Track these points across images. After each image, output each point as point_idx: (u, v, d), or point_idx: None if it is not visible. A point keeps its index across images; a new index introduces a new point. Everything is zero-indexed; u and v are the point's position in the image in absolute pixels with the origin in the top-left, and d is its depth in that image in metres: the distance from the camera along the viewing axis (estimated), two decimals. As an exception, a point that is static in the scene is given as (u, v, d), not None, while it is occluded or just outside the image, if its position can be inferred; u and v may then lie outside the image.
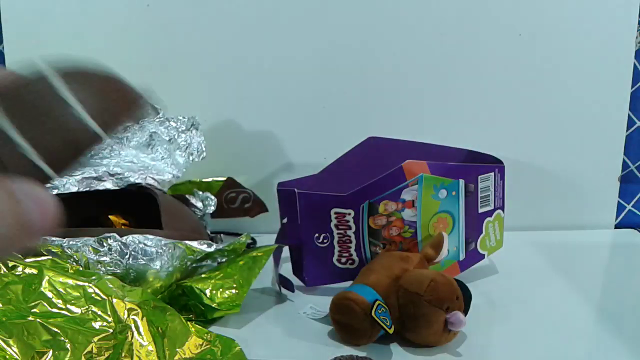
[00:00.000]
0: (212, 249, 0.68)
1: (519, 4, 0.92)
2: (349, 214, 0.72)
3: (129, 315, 0.56)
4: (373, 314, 0.60)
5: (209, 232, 0.79)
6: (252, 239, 0.92)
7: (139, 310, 0.57)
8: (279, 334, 0.67)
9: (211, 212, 0.80)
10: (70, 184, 0.74)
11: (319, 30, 0.92)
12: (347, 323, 0.64)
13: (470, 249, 0.78)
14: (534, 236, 0.95)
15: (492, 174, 0.77)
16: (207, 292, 0.67)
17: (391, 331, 0.61)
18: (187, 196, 0.80)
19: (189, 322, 0.62)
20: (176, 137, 0.80)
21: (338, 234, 0.73)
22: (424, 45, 0.93)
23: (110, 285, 0.58)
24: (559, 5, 0.92)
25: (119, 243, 0.63)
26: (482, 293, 0.74)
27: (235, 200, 0.83)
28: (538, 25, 0.92)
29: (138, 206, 0.76)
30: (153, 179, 0.76)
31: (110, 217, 0.77)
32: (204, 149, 0.80)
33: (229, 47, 0.92)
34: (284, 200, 0.76)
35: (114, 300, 0.56)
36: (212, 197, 0.80)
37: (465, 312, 0.64)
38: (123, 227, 0.76)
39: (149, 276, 0.66)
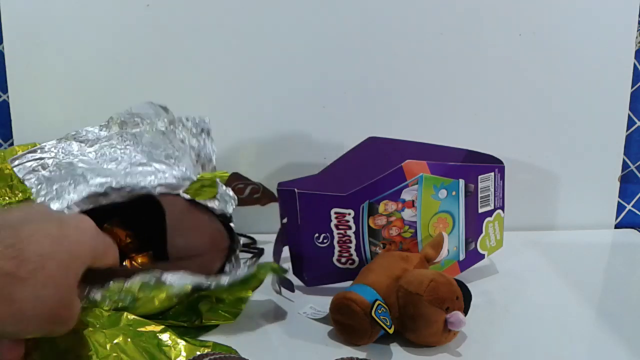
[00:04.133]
0: (221, 284, 0.65)
1: (519, 4, 0.92)
2: (349, 214, 0.72)
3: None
4: (373, 314, 0.60)
5: (229, 227, 0.74)
6: (252, 238, 0.92)
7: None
8: (279, 334, 0.67)
9: (231, 210, 0.74)
10: (75, 203, 0.69)
11: (319, 30, 0.92)
12: (347, 323, 0.64)
13: (470, 249, 0.78)
14: (534, 236, 0.95)
15: (492, 174, 0.77)
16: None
17: (391, 331, 0.61)
18: (202, 202, 0.74)
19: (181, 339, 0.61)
20: (188, 140, 0.78)
21: (338, 234, 0.73)
22: (424, 45, 0.93)
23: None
24: (559, 6, 0.92)
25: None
26: (482, 293, 0.74)
27: (243, 191, 0.82)
28: (538, 25, 0.92)
29: (147, 212, 0.73)
30: (163, 184, 0.73)
31: (113, 229, 0.73)
32: (213, 157, 0.78)
33: (228, 47, 0.92)
34: (284, 200, 0.76)
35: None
36: (231, 193, 0.74)
37: (465, 312, 0.64)
38: (127, 239, 0.73)
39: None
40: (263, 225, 0.91)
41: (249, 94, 0.94)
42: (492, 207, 0.78)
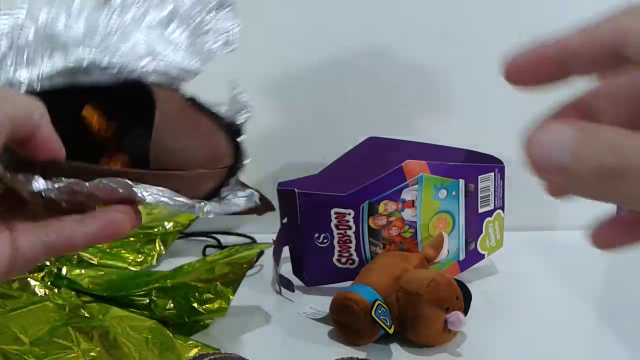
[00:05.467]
0: (205, 211, 0.49)
1: (519, 4, 0.92)
2: (349, 214, 0.72)
3: None
4: (373, 314, 0.60)
5: (237, 142, 0.56)
6: (252, 238, 0.92)
7: None
8: (279, 334, 0.67)
9: (242, 120, 0.58)
10: (48, 76, 0.51)
11: (319, 30, 0.92)
12: (347, 323, 0.64)
13: (470, 249, 0.78)
14: (534, 236, 0.95)
15: (492, 174, 0.77)
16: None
17: (391, 331, 0.61)
18: (206, 104, 0.59)
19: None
20: (202, 17, 0.60)
21: (338, 234, 0.73)
22: (424, 45, 0.93)
23: None
24: (559, 5, 0.92)
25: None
26: (482, 293, 0.74)
27: None
28: (538, 25, 0.92)
29: (136, 105, 0.54)
30: (159, 72, 0.56)
31: (94, 113, 0.53)
32: (235, 37, 0.59)
33: (229, 47, 0.92)
34: (283, 200, 0.76)
35: None
36: (244, 99, 0.59)
37: (465, 312, 0.64)
38: (106, 130, 0.54)
39: None
40: (263, 225, 0.90)
41: (248, 94, 0.94)
42: (492, 207, 0.78)
